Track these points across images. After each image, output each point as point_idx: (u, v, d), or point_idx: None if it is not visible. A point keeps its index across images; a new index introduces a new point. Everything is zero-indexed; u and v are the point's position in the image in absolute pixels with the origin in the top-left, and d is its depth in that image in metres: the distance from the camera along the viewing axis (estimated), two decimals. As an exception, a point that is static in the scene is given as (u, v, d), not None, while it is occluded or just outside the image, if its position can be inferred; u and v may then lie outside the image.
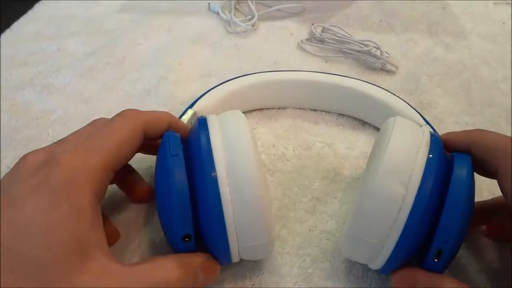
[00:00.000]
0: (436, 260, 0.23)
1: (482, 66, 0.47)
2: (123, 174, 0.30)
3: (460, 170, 0.24)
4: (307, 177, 0.35)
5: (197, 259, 0.25)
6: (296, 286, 0.28)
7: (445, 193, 0.23)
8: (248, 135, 0.25)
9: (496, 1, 0.58)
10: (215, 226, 0.23)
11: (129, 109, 0.27)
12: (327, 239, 0.31)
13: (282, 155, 0.36)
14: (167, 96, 0.41)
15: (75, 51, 0.47)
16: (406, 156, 0.24)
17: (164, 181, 0.24)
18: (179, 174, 0.24)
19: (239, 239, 0.24)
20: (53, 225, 0.21)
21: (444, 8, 0.56)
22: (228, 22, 0.52)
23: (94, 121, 0.28)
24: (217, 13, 0.53)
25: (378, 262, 0.25)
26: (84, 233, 0.22)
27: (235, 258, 0.26)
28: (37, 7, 0.55)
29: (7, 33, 0.50)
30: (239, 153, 0.24)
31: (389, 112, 0.35)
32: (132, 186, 0.30)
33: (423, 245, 0.24)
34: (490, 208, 0.29)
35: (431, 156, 0.24)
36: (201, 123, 0.26)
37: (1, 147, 0.36)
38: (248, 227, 0.24)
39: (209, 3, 0.54)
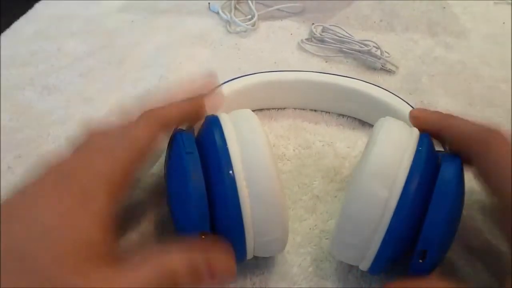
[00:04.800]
0: (421, 261, 0.23)
1: (482, 66, 0.47)
2: None
3: (447, 172, 0.24)
4: (307, 176, 0.35)
5: (201, 255, 0.24)
6: (296, 286, 0.28)
7: (430, 193, 0.23)
8: (261, 130, 0.25)
9: (496, 1, 0.58)
10: (233, 220, 0.23)
11: (148, 110, 0.27)
12: (327, 239, 0.31)
13: (282, 154, 0.36)
14: (167, 96, 0.41)
15: (75, 51, 0.47)
16: (391, 159, 0.24)
17: (180, 179, 0.24)
18: (196, 172, 0.24)
19: (255, 233, 0.24)
20: (67, 229, 0.21)
21: (444, 8, 0.56)
22: (228, 22, 0.52)
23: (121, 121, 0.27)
24: (217, 13, 0.53)
25: (365, 263, 0.25)
26: (96, 240, 0.22)
27: (249, 254, 0.26)
28: (37, 6, 0.55)
29: (7, 32, 0.50)
30: (254, 148, 0.24)
31: (389, 113, 0.35)
32: None
33: (412, 246, 0.24)
34: None
35: (417, 158, 0.24)
36: (213, 120, 0.26)
37: (1, 147, 0.36)
38: (265, 221, 0.24)
39: (209, 3, 0.55)
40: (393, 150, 0.24)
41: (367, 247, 0.24)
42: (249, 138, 0.25)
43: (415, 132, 0.27)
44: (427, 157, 0.25)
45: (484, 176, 0.25)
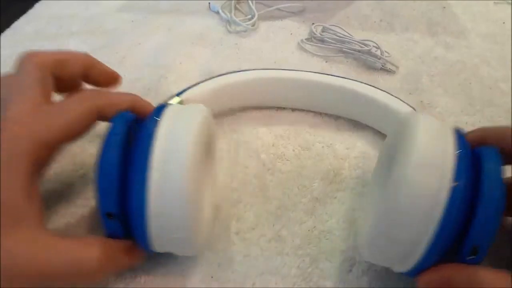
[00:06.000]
0: (470, 257, 0.22)
1: (482, 66, 0.47)
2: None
3: (492, 164, 0.23)
4: (307, 177, 0.35)
5: (121, 243, 0.26)
6: (295, 286, 0.29)
7: (475, 186, 0.22)
8: (197, 128, 0.25)
9: (496, 1, 0.58)
10: (137, 209, 0.24)
11: (89, 89, 0.28)
12: (326, 239, 0.31)
13: (282, 154, 0.36)
14: (167, 95, 0.41)
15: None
16: (436, 147, 0.23)
17: (99, 158, 0.24)
18: (112, 153, 0.24)
19: (160, 227, 0.24)
20: None
21: (444, 7, 0.56)
22: (228, 22, 0.52)
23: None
24: (217, 13, 0.53)
25: (408, 263, 0.24)
26: (18, 202, 0.23)
27: (157, 247, 0.26)
28: (38, 6, 0.55)
29: (8, 32, 0.50)
30: (180, 143, 0.24)
31: (388, 114, 0.35)
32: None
33: (458, 242, 0.23)
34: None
35: (459, 148, 0.23)
36: (158, 109, 0.26)
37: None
38: (169, 218, 0.24)
39: (209, 3, 0.55)
40: (436, 139, 0.23)
41: (416, 243, 0.23)
42: (180, 134, 0.24)
43: (447, 124, 0.26)
44: (467, 147, 0.24)
45: None
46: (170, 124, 0.25)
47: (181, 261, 0.29)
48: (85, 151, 0.36)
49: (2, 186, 0.22)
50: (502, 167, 0.24)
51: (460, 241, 0.23)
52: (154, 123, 0.25)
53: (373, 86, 0.37)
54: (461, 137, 0.25)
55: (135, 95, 0.29)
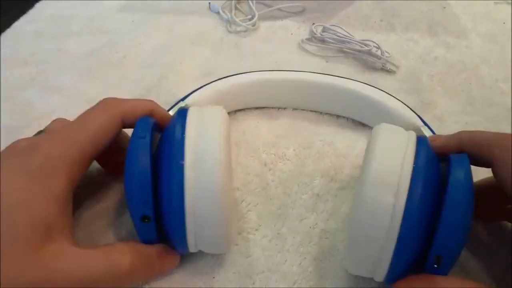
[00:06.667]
0: (436, 266, 0.23)
1: (482, 66, 0.47)
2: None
3: (457, 172, 0.24)
4: (308, 175, 0.35)
5: (153, 248, 0.26)
6: (296, 285, 0.28)
7: (442, 196, 0.23)
8: (221, 128, 0.26)
9: (496, 1, 0.58)
10: (175, 208, 0.24)
11: (109, 98, 0.28)
12: (326, 238, 0.31)
13: (283, 154, 0.36)
14: (167, 95, 0.41)
15: (76, 51, 0.47)
16: (391, 164, 0.24)
17: (129, 162, 0.25)
18: (143, 155, 0.25)
19: (196, 225, 0.25)
20: (24, 204, 0.22)
21: (444, 7, 0.56)
22: (229, 22, 0.52)
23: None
24: (218, 13, 0.53)
25: (379, 274, 0.25)
26: (51, 217, 0.23)
27: (191, 246, 0.26)
28: (38, 6, 0.55)
29: (8, 32, 0.50)
30: (210, 143, 0.25)
31: (386, 114, 0.35)
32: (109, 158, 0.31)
33: (426, 249, 0.23)
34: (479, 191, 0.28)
35: (418, 161, 0.24)
36: (181, 112, 0.27)
37: (1, 147, 0.36)
38: (206, 214, 0.24)
39: (209, 3, 0.55)
40: (393, 155, 0.24)
41: (381, 256, 0.24)
42: (208, 133, 0.25)
43: (413, 134, 0.26)
44: (429, 158, 0.24)
45: (505, 178, 0.24)
46: (197, 125, 0.25)
47: (182, 261, 0.29)
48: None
49: (37, 203, 0.23)
50: (470, 174, 0.24)
51: (427, 248, 0.23)
52: (181, 126, 0.25)
53: (371, 86, 0.37)
54: (424, 147, 0.25)
55: (153, 102, 0.30)
